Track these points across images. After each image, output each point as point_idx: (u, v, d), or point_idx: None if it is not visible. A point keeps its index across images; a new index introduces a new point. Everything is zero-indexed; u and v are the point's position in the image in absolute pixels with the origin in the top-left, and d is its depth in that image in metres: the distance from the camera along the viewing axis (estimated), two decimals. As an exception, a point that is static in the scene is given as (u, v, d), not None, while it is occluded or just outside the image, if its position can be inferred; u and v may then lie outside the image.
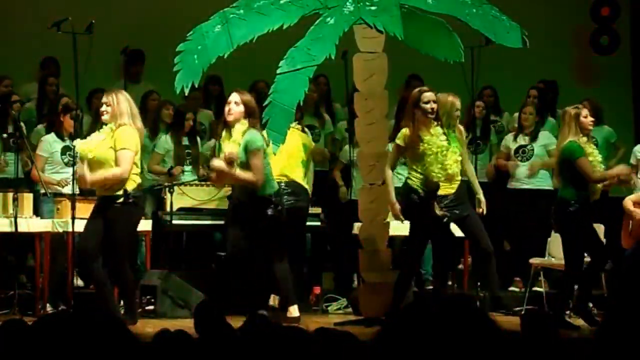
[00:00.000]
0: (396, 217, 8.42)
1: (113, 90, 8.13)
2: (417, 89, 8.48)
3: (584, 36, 12.75)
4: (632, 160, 10.42)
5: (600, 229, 9.92)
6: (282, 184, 8.75)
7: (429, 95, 8.25)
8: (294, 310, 8.54)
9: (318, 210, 10.06)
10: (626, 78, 12.77)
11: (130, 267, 8.18)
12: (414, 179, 8.31)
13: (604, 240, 9.85)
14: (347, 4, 8.54)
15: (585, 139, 8.57)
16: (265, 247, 8.09)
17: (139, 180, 7.92)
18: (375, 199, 8.51)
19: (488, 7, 8.81)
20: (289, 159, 8.93)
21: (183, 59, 8.25)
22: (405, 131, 8.28)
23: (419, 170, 8.27)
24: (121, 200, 7.82)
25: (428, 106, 8.19)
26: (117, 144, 7.79)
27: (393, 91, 11.10)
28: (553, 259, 9.94)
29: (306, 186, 9.14)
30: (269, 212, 7.86)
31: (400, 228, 9.62)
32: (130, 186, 7.81)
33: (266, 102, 8.37)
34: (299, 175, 9.06)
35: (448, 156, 8.24)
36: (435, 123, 8.25)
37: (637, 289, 8.70)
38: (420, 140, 8.17)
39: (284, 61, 8.36)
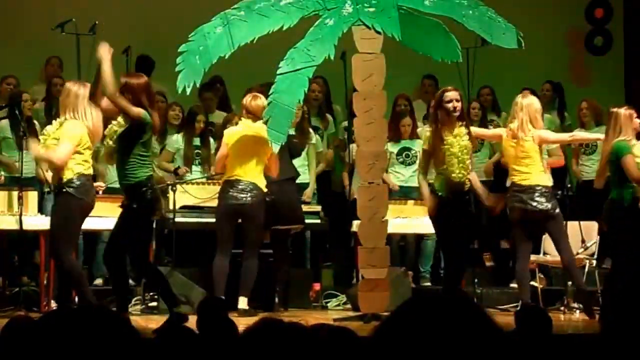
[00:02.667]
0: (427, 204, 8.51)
1: (68, 83, 8.19)
2: (440, 90, 8.58)
3: (578, 37, 12.88)
4: None
5: (592, 226, 10.05)
6: (234, 182, 8.81)
7: (451, 94, 8.34)
8: (241, 302, 8.69)
9: (318, 208, 10.17)
10: (619, 78, 12.90)
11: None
12: (436, 180, 8.46)
13: (597, 238, 9.98)
14: (346, 5, 8.62)
15: (634, 140, 8.60)
16: (138, 238, 7.91)
17: (80, 169, 7.85)
18: (374, 197, 8.57)
19: (484, 9, 8.88)
20: (239, 157, 8.90)
21: (185, 59, 8.34)
22: (427, 134, 8.43)
23: (440, 170, 8.40)
24: (56, 190, 7.93)
25: (450, 105, 8.29)
26: (61, 136, 7.87)
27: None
28: (548, 256, 10.04)
29: (259, 183, 8.95)
30: (134, 205, 7.69)
31: (398, 226, 9.75)
32: (67, 175, 7.82)
33: (267, 102, 8.52)
34: (252, 174, 8.92)
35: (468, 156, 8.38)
36: (460, 123, 8.36)
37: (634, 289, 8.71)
38: (442, 141, 8.29)
39: (284, 62, 8.44)
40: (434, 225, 8.66)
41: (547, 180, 8.83)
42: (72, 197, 7.82)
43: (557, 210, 8.75)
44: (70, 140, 7.82)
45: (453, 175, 8.31)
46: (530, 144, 8.69)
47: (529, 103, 8.79)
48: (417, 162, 10.52)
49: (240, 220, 8.94)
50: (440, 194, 8.39)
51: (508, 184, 10.63)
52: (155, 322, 8.15)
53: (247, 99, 9.03)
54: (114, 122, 7.84)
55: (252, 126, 8.91)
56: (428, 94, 11.42)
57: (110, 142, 7.83)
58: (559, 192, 9.19)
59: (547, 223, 8.78)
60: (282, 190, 9.20)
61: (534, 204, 8.66)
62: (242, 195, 8.86)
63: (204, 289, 8.99)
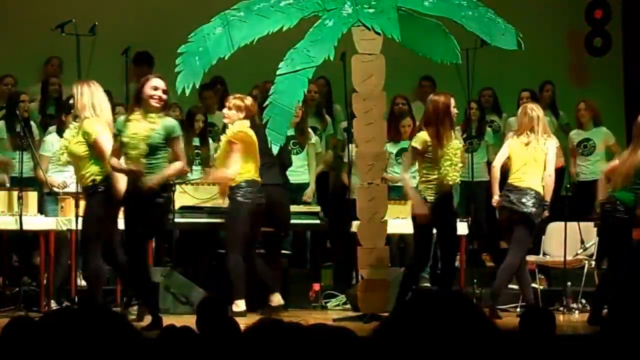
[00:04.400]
0: (420, 211, 8.42)
1: (78, 83, 8.12)
2: (448, 96, 8.58)
3: (578, 38, 12.90)
4: None
5: (591, 227, 10.06)
6: (243, 183, 8.68)
7: (454, 101, 8.52)
8: (240, 304, 8.60)
9: (318, 208, 10.18)
10: (618, 79, 12.92)
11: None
12: (426, 184, 8.45)
13: (596, 238, 9.99)
14: (346, 6, 8.63)
15: None
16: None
17: (108, 169, 7.87)
18: (373, 197, 8.59)
19: (483, 10, 8.90)
20: (253, 157, 8.80)
21: (184, 60, 8.36)
22: (424, 136, 8.42)
23: (434, 175, 8.41)
24: (91, 191, 7.89)
25: (455, 111, 8.51)
26: (89, 137, 7.83)
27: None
28: (547, 256, 10.05)
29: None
30: (160, 200, 7.64)
31: (397, 226, 9.76)
32: (100, 176, 7.85)
33: (266, 103, 8.51)
34: (256, 173, 8.87)
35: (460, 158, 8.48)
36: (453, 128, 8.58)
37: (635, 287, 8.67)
38: (441, 145, 8.34)
39: (283, 62, 8.46)
40: (415, 228, 8.58)
41: (541, 188, 8.83)
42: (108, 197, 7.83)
43: (536, 220, 8.77)
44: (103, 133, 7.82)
45: (448, 178, 8.35)
46: (541, 153, 8.81)
47: (543, 114, 9.01)
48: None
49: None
50: (429, 199, 8.40)
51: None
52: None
53: (246, 101, 8.90)
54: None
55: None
56: (427, 95, 11.42)
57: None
58: (547, 203, 9.10)
59: (518, 224, 8.76)
60: (273, 194, 9.18)
61: (519, 205, 8.70)
62: (260, 195, 8.85)
63: (204, 289, 8.99)
